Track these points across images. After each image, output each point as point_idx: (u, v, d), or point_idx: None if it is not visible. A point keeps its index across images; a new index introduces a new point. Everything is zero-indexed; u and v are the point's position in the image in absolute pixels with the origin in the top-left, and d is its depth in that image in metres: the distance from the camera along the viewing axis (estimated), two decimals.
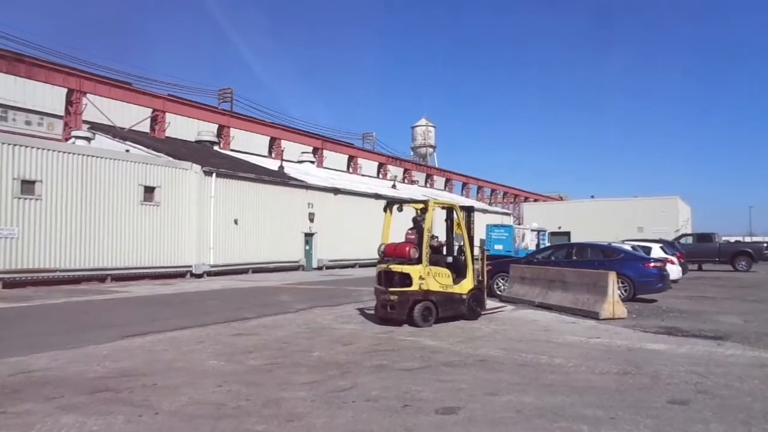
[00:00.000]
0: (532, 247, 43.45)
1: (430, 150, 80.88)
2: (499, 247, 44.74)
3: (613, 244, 18.65)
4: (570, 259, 17.07)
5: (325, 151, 52.85)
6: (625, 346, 9.15)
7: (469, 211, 12.35)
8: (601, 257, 16.58)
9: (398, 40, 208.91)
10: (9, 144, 19.69)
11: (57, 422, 5.06)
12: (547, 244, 45.29)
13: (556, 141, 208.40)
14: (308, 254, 32.22)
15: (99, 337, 9.59)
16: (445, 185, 71.57)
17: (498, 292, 16.56)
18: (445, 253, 12.08)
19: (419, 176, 67.11)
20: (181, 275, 24.81)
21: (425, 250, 10.67)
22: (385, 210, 11.67)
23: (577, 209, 54.86)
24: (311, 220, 32.29)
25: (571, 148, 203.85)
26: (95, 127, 32.11)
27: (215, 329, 10.53)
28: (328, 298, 16.32)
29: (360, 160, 58.13)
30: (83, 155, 22.25)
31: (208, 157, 30.25)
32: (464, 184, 75.47)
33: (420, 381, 6.70)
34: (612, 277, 12.59)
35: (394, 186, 45.74)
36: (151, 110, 39.50)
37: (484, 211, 53.57)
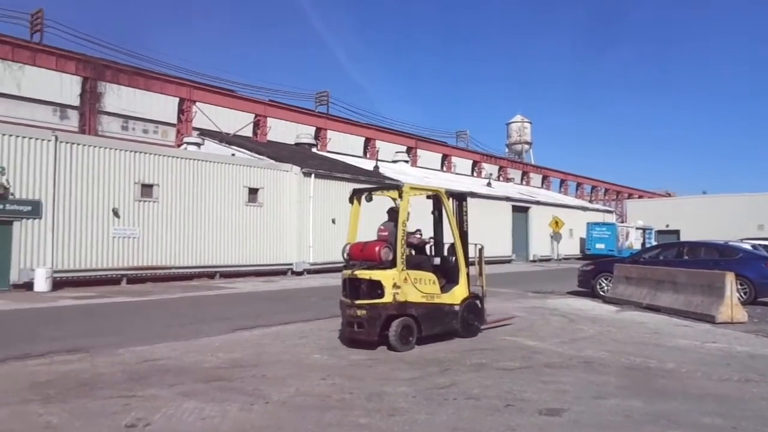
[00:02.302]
0: (637, 246, 41.28)
1: (526, 147, 78.90)
2: (600, 246, 42.93)
3: (730, 243, 17.31)
4: (681, 259, 16.05)
5: (418, 150, 53.07)
6: (746, 352, 8.49)
7: (460, 198, 9.79)
8: (716, 257, 15.46)
9: (492, 36, 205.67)
10: (132, 151, 21.47)
11: (179, 407, 5.47)
12: (654, 243, 42.80)
13: (661, 135, 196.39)
14: None
15: (211, 329, 10.23)
16: (542, 182, 69.57)
17: (601, 293, 15.89)
18: (433, 253, 9.57)
19: (515, 174, 65.71)
20: (283, 273, 25.84)
21: (400, 249, 8.03)
22: (351, 200, 9.26)
23: (686, 206, 51.50)
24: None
25: (679, 141, 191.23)
26: (204, 133, 34.16)
27: (317, 324, 10.89)
28: None
29: (454, 159, 57.81)
30: (194, 160, 23.78)
31: (307, 159, 31.29)
32: (562, 181, 72.99)
33: (521, 381, 6.59)
34: (730, 278, 11.70)
35: (489, 184, 45.09)
36: (253, 115, 41.50)
37: (584, 209, 51.52)
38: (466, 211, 9.69)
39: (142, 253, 21.37)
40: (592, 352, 8.36)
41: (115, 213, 20.71)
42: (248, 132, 40.30)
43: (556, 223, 41.18)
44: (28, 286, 18.18)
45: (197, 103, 37.88)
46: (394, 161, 43.58)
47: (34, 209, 18.85)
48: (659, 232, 49.14)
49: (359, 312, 8.10)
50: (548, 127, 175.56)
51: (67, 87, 34.86)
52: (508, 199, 42.07)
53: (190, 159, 23.75)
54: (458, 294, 8.99)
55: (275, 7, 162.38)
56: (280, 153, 30.46)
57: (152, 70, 36.55)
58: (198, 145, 28.89)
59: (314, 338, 9.38)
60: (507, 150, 77.77)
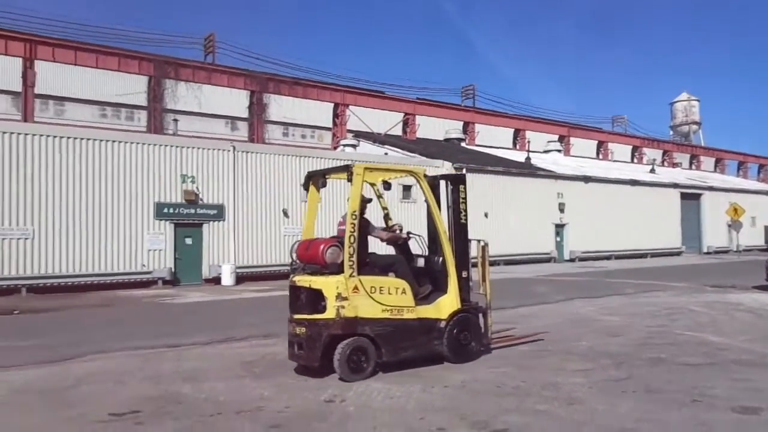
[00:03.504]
0: None
1: (694, 127, 71.95)
2: None
3: None
4: None
5: (572, 139, 50.91)
6: None
7: (456, 182, 7.53)
8: None
9: (648, 13, 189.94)
10: (297, 156, 23.40)
11: (368, 387, 5.99)
12: None
13: None
14: (559, 246, 31.47)
15: None
16: (715, 166, 63.07)
17: None
18: (426, 251, 7.58)
19: (682, 158, 60.35)
20: None
21: (348, 249, 6.23)
22: (305, 186, 7.25)
23: None
24: (561, 211, 31.48)
25: None
26: (357, 134, 35.84)
27: None
28: (587, 290, 15.84)
29: (611, 145, 54.59)
30: (350, 161, 25.16)
31: (457, 154, 31.55)
32: (740, 164, 65.69)
33: (707, 377, 6.24)
34: None
35: (652, 170, 41.98)
36: (402, 114, 42.68)
37: None
38: (465, 198, 7.41)
39: None
40: None
41: (285, 213, 22.63)
42: (398, 131, 41.55)
43: (735, 210, 37.14)
44: (216, 280, 20.56)
45: (350, 107, 39.84)
46: (546, 151, 42.26)
47: (219, 212, 21.25)
48: None
49: (298, 330, 6.40)
50: (719, 106, 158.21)
51: (236, 101, 38.61)
52: (675, 185, 38.87)
53: (347, 160, 25.14)
54: (445, 306, 6.91)
55: (418, 10, 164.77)
56: (430, 149, 31.06)
57: (309, 79, 39.12)
58: (354, 146, 30.43)
59: None
60: (671, 133, 71.61)
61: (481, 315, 7.38)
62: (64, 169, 18.49)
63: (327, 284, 6.25)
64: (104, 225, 19.07)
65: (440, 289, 7.03)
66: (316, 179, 7.14)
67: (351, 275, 6.21)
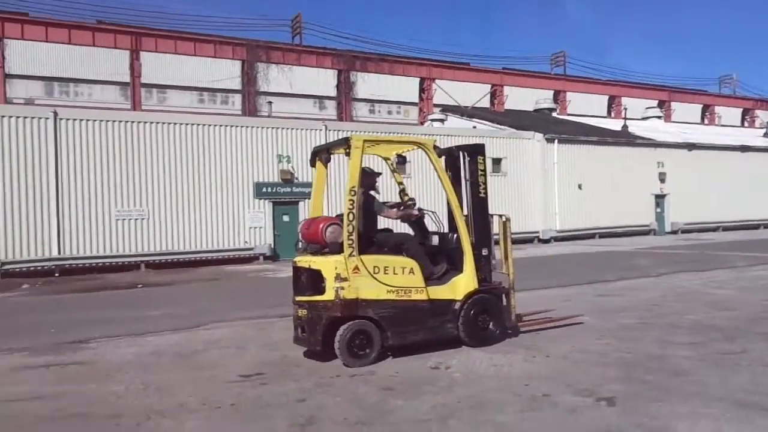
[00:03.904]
0: None
1: None
2: None
3: None
4: None
5: (672, 104, 47.90)
6: None
7: (474, 152, 6.93)
8: None
9: None
10: (385, 133, 23.65)
11: (470, 355, 6.22)
12: None
13: None
14: (660, 217, 30.01)
15: None
16: None
17: None
18: (445, 228, 7.14)
19: None
20: (529, 241, 25.96)
21: (347, 228, 5.92)
22: (312, 163, 7.05)
23: None
24: (662, 181, 29.94)
25: None
26: (445, 108, 35.64)
27: (577, 289, 10.99)
28: (691, 263, 15.17)
29: (717, 109, 50.83)
30: (438, 135, 25.13)
31: (548, 125, 30.68)
32: None
33: None
34: None
35: (766, 134, 38.78)
36: (489, 86, 41.90)
37: None
38: (483, 171, 6.88)
39: (402, 226, 23.47)
40: None
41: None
42: (486, 103, 40.88)
43: None
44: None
45: (436, 81, 39.61)
46: (644, 118, 40.06)
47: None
48: None
49: (300, 312, 6.27)
50: None
51: (323, 80, 39.42)
52: None
53: (436, 135, 25.16)
54: (460, 286, 6.47)
55: None
56: (520, 121, 30.40)
57: (395, 54, 39.24)
58: (442, 121, 30.35)
59: (577, 302, 9.54)
60: None
61: (497, 296, 6.78)
62: (171, 153, 19.83)
63: (326, 264, 5.97)
64: (209, 204, 20.36)
65: (456, 268, 6.57)
66: (320, 155, 6.83)
67: (351, 255, 5.89)
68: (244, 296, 12.77)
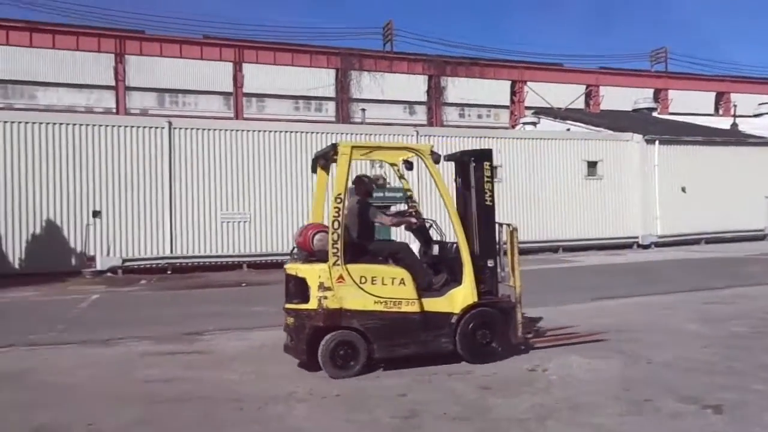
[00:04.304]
0: None
1: None
2: None
3: None
4: None
5: None
6: None
7: (480, 158, 6.50)
8: None
9: None
10: (477, 137, 23.67)
11: (567, 359, 6.22)
12: None
13: None
14: None
15: (572, 298, 10.85)
16: None
17: None
18: (441, 238, 6.84)
19: None
20: (627, 246, 24.93)
21: (331, 236, 5.77)
22: (313, 169, 6.80)
23: None
24: None
25: None
26: (538, 111, 35.00)
27: (681, 297, 10.55)
28: None
29: None
30: (532, 139, 24.82)
31: (648, 125, 29.33)
32: None
33: None
34: None
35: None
36: (584, 86, 40.65)
37: None
38: (490, 177, 6.42)
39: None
40: None
41: None
42: (580, 104, 39.69)
43: None
44: None
45: (528, 83, 38.97)
46: (757, 115, 37.26)
47: (404, 195, 22.38)
48: None
49: (288, 320, 6.17)
50: None
51: (413, 85, 39.88)
52: None
53: (528, 138, 24.86)
54: (458, 299, 6.12)
55: None
56: (617, 122, 29.29)
57: (486, 58, 38.99)
58: (534, 124, 29.86)
59: (682, 310, 9.19)
60: None
61: (501, 310, 6.33)
62: (271, 159, 20.89)
63: (311, 272, 5.86)
64: (306, 208, 21.23)
65: (457, 279, 6.23)
66: (320, 161, 6.64)
67: (335, 263, 5.75)
68: None
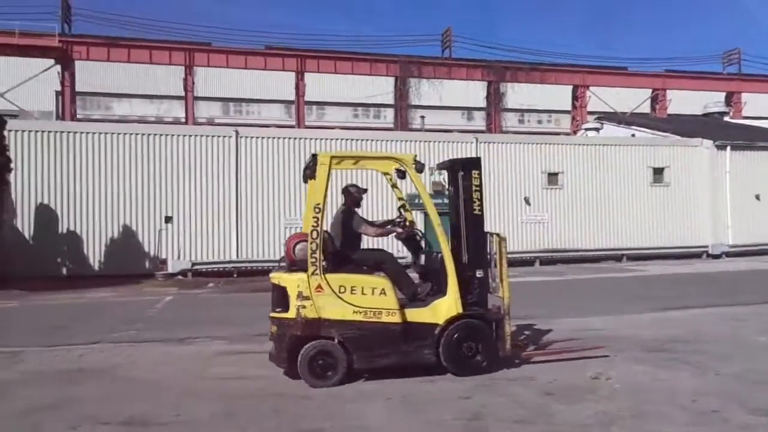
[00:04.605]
0: None
1: None
2: None
3: None
4: None
5: None
6: None
7: (467, 167, 6.49)
8: None
9: None
10: (538, 143, 23.48)
11: (630, 368, 6.22)
12: None
13: None
14: None
15: (635, 307, 10.67)
16: None
17: None
18: (426, 248, 6.89)
19: None
20: (696, 256, 24.04)
21: (310, 245, 5.87)
22: (304, 179, 6.53)
23: None
24: None
25: None
26: (601, 116, 34.26)
27: (753, 309, 10.21)
28: None
29: None
30: (594, 145, 24.37)
31: (718, 130, 28.22)
32: None
33: None
34: None
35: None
36: (650, 90, 39.46)
37: None
38: (479, 186, 6.38)
39: (551, 237, 23.08)
40: None
41: (527, 201, 22.93)
42: (645, 108, 38.56)
43: None
44: None
45: (590, 87, 38.18)
46: None
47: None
48: None
49: (272, 328, 6.19)
50: None
51: (472, 91, 39.82)
52: None
53: (591, 144, 24.43)
54: (441, 310, 6.08)
55: None
56: (685, 127, 28.31)
57: (546, 63, 38.47)
58: (597, 129, 29.25)
59: (753, 321, 8.92)
60: None
61: (487, 322, 6.21)
62: None
63: (290, 281, 5.94)
64: (366, 215, 21.58)
65: (443, 290, 6.17)
66: (308, 171, 6.44)
67: (314, 273, 5.83)
68: None
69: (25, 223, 18.82)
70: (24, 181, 18.71)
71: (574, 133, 35.22)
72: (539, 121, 45.96)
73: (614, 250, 23.55)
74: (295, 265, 6.08)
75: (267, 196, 20.58)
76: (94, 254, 19.15)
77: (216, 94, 38.83)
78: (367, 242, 6.89)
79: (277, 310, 6.03)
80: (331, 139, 21.96)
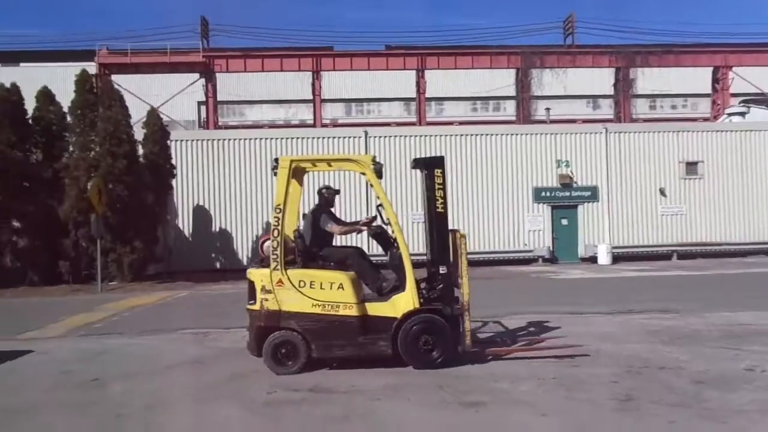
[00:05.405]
0: None
1: None
2: None
3: None
4: None
5: None
6: None
7: (430, 166, 6.64)
8: None
9: None
10: (675, 131, 22.34)
11: None
12: None
13: None
14: None
15: None
16: None
17: None
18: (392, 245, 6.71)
19: None
20: None
21: (272, 243, 6.28)
22: (274, 172, 6.70)
23: None
24: None
25: None
26: (747, 100, 31.62)
27: None
28: None
29: None
30: (739, 131, 22.71)
31: None
32: None
33: None
34: None
35: None
36: None
37: None
38: (442, 184, 6.56)
39: (689, 230, 21.92)
40: None
41: (662, 192, 21.95)
42: None
43: None
44: (592, 259, 21.37)
45: (733, 68, 35.22)
46: None
47: (593, 194, 21.98)
48: None
49: (248, 319, 6.64)
50: None
51: (597, 79, 38.21)
52: None
53: (735, 131, 22.83)
54: (400, 305, 6.29)
55: None
56: None
57: (681, 44, 36.04)
58: (742, 114, 27.13)
59: None
60: None
61: (446, 318, 6.31)
62: (454, 162, 21.68)
63: (256, 276, 6.41)
64: (489, 208, 21.84)
65: (401, 286, 6.40)
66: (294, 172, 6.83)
67: (275, 268, 6.24)
68: (535, 293, 13.81)
69: (185, 223, 21.22)
70: (184, 186, 21.10)
71: (715, 118, 32.71)
72: (673, 107, 43.11)
73: (762, 244, 21.86)
74: (265, 261, 6.56)
75: (396, 192, 21.40)
76: (243, 249, 21.13)
77: (339, 95, 40.62)
78: (341, 240, 7.53)
79: (250, 302, 6.50)
80: (455, 135, 22.38)
